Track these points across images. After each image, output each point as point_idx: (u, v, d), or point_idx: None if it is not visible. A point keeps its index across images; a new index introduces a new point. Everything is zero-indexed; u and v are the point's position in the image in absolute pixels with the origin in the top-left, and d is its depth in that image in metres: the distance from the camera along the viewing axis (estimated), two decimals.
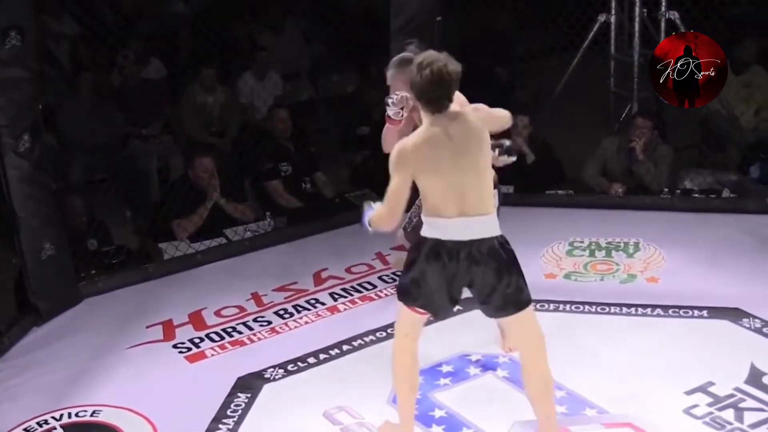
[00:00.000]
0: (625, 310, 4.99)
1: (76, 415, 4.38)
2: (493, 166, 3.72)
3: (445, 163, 3.47)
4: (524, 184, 6.47)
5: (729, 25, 6.54)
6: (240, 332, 5.07)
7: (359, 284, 5.53)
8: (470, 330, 4.75)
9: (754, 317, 4.79)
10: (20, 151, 4.98)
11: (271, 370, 4.64)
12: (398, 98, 4.01)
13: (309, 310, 5.27)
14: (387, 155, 3.61)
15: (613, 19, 6.95)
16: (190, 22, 8.79)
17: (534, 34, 9.05)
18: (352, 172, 7.17)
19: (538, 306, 4.96)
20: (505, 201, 6.11)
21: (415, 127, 3.78)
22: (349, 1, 9.23)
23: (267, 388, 4.50)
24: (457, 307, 4.91)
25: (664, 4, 6.71)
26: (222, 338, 5.02)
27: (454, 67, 3.45)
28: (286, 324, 5.13)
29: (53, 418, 4.35)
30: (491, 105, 3.70)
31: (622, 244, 5.80)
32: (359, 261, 5.79)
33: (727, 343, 4.60)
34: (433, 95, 3.46)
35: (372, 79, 8.06)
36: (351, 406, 4.24)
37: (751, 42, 7.20)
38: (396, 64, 4.19)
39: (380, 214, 3.62)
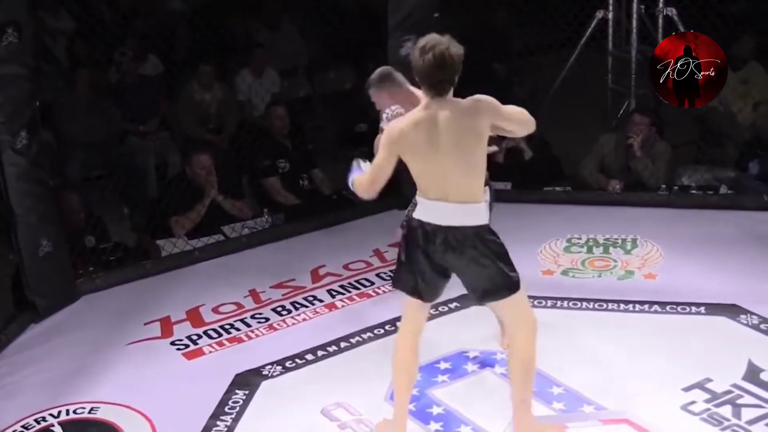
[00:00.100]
0: (622, 306, 4.99)
1: (74, 412, 4.38)
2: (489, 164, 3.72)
3: (428, 147, 3.53)
4: (522, 180, 6.48)
5: (726, 22, 6.53)
6: (238, 329, 5.07)
7: (357, 281, 5.53)
8: (468, 327, 4.76)
9: (752, 314, 4.79)
10: (17, 148, 4.97)
11: (269, 366, 4.63)
12: (393, 114, 4.08)
13: (307, 307, 5.27)
14: None
15: (610, 15, 6.94)
16: (188, 18, 8.77)
17: (532, 31, 9.04)
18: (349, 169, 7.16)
19: (535, 302, 4.97)
20: (502, 198, 6.14)
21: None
22: None
23: (265, 384, 4.50)
24: (455, 304, 4.97)
25: (661, 0, 6.71)
26: (220, 335, 5.02)
27: (457, 49, 3.47)
28: (283, 321, 5.13)
29: (51, 415, 4.35)
30: None
31: (619, 241, 5.80)
32: (357, 258, 5.79)
33: (725, 340, 4.61)
34: (436, 79, 3.48)
35: (369, 75, 8.06)
36: (349, 402, 4.24)
37: (749, 38, 7.21)
38: (377, 81, 4.28)
39: (362, 180, 3.75)
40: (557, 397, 4.17)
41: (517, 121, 3.64)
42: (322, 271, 5.67)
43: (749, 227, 5.86)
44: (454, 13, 6.02)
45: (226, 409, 4.29)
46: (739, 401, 4.09)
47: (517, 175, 6.50)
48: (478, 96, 3.57)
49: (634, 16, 6.81)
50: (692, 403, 4.09)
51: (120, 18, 8.34)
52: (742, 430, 3.90)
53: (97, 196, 6.62)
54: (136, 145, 7.29)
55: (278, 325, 5.09)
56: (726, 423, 3.95)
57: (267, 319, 5.15)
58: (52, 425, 4.28)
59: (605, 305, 5.02)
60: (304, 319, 5.14)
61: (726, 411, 4.02)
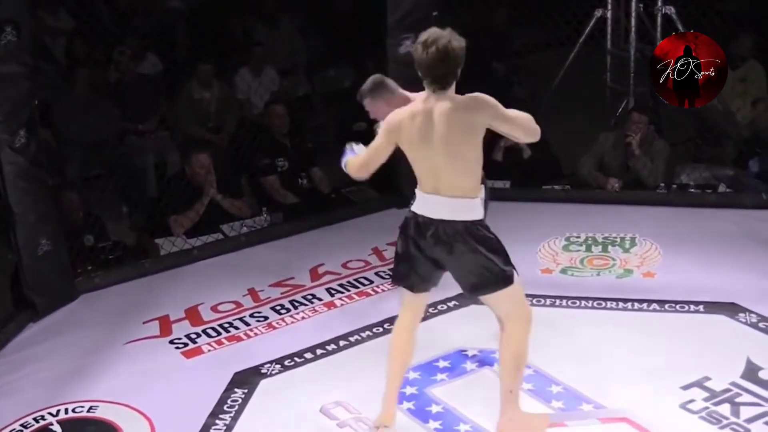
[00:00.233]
0: (621, 305, 4.99)
1: (73, 410, 4.37)
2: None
3: (422, 139, 3.58)
4: (521, 179, 6.48)
5: (725, 20, 6.53)
6: (237, 328, 5.07)
7: (356, 280, 5.53)
8: (467, 325, 4.76)
9: (751, 312, 4.79)
10: (16, 147, 4.97)
11: (268, 365, 4.64)
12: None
13: (306, 305, 5.27)
14: None
15: (609, 14, 6.94)
16: (186, 17, 8.77)
17: (531, 30, 9.05)
18: None
19: (534, 301, 4.98)
20: (501, 196, 6.16)
21: None
22: None
23: (264, 383, 4.50)
24: (453, 302, 4.98)
25: None
26: (219, 334, 5.02)
27: (459, 42, 3.50)
28: (282, 319, 5.13)
29: (50, 413, 4.35)
30: None
31: (618, 239, 5.80)
32: (356, 257, 5.79)
33: (724, 338, 4.61)
34: (440, 72, 3.51)
35: (368, 74, 8.06)
36: (348, 401, 4.24)
37: (747, 37, 7.21)
38: (370, 90, 4.29)
39: (355, 161, 3.83)
40: (556, 396, 4.18)
41: (520, 126, 3.62)
42: (321, 270, 5.67)
43: (748, 225, 5.86)
44: (453, 11, 6.02)
45: (225, 408, 4.29)
46: (738, 400, 4.09)
47: (516, 173, 6.50)
48: (477, 94, 3.58)
49: (633, 14, 6.82)
50: (691, 401, 4.09)
51: (119, 17, 8.34)
52: (741, 429, 3.90)
53: (96, 195, 6.61)
54: (135, 144, 7.30)
55: (277, 323, 5.10)
56: (725, 421, 3.95)
57: (266, 318, 5.15)
58: (51, 424, 4.28)
59: (604, 304, 5.02)
60: (303, 318, 5.14)
61: (725, 409, 4.03)
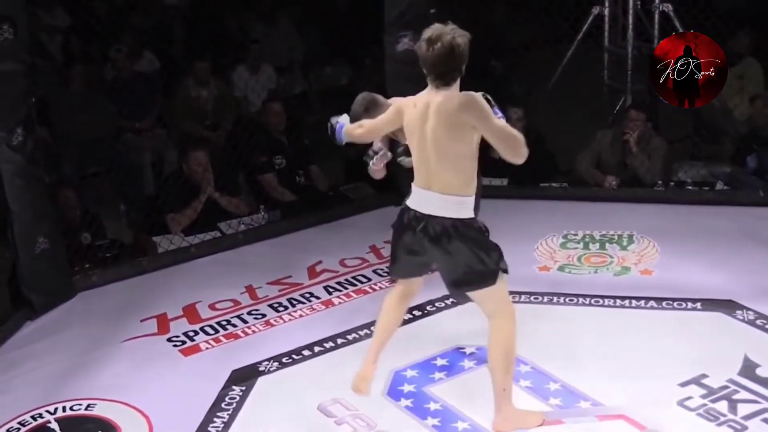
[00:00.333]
0: (619, 302, 5.00)
1: (71, 408, 4.37)
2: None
3: (416, 129, 3.65)
4: (518, 176, 6.47)
5: (722, 18, 6.54)
6: (234, 325, 5.07)
7: (354, 277, 5.53)
8: (464, 323, 4.76)
9: (748, 309, 4.80)
10: (13, 145, 4.97)
11: (266, 363, 4.64)
12: (381, 155, 4.20)
13: (303, 303, 5.27)
14: None
15: (606, 11, 6.94)
16: (183, 14, 8.76)
17: (528, 27, 9.05)
18: (346, 165, 7.17)
19: (531, 298, 5.00)
20: (499, 194, 6.16)
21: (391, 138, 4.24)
22: None
23: (262, 380, 4.50)
24: (450, 300, 4.97)
25: None
26: (216, 331, 5.02)
27: (463, 38, 3.52)
28: (280, 317, 5.13)
29: (48, 411, 4.35)
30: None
31: (616, 237, 5.81)
32: (353, 254, 5.79)
33: (721, 335, 4.61)
34: (446, 68, 3.53)
35: (366, 71, 8.07)
36: (346, 398, 4.24)
37: (744, 34, 7.22)
38: (363, 110, 4.26)
39: (357, 128, 3.95)
40: (554, 393, 4.18)
41: (504, 141, 3.53)
42: (318, 268, 5.67)
43: (745, 223, 5.87)
44: (450, 8, 6.01)
45: (223, 405, 4.29)
46: (735, 397, 4.09)
47: (513, 170, 6.47)
48: (471, 93, 3.57)
49: (631, 12, 6.82)
50: (688, 398, 4.09)
51: (115, 14, 8.33)
52: (738, 426, 3.91)
53: (94, 193, 6.61)
54: (133, 142, 7.29)
55: (275, 321, 5.10)
56: (722, 418, 3.96)
57: (264, 316, 5.15)
58: (49, 422, 4.28)
59: (601, 301, 5.02)
60: (301, 316, 5.14)
61: (722, 406, 4.03)
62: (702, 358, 4.37)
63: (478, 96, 3.56)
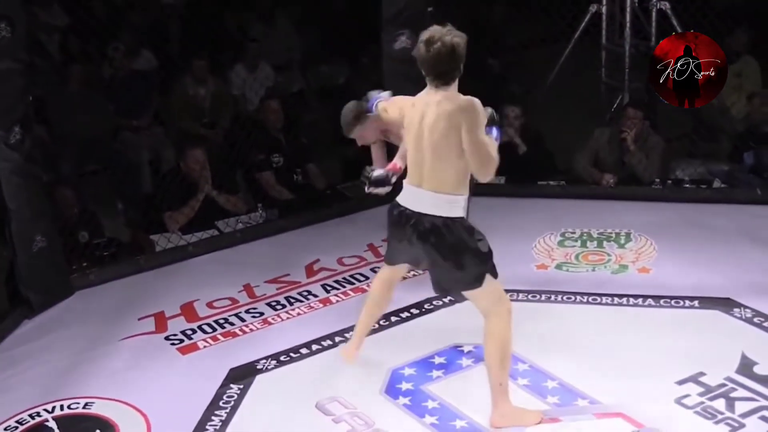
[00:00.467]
0: (616, 300, 5.00)
1: (69, 407, 4.37)
2: None
3: (415, 131, 3.70)
4: (516, 175, 6.48)
5: (720, 15, 6.54)
6: (232, 324, 5.07)
7: (351, 276, 5.53)
8: (462, 321, 4.76)
9: (745, 307, 4.80)
10: (11, 143, 4.96)
11: (264, 361, 4.64)
12: (376, 173, 4.33)
13: (301, 301, 5.27)
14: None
15: (604, 9, 6.94)
16: (181, 13, 8.75)
17: (526, 25, 9.05)
18: (343, 163, 7.16)
19: (529, 296, 5.00)
20: (496, 192, 6.16)
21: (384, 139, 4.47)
22: None
23: (259, 379, 4.50)
24: (448, 298, 4.97)
25: None
26: (214, 330, 5.02)
27: (461, 39, 3.59)
28: (278, 315, 5.13)
29: (45, 410, 4.35)
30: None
31: (613, 235, 5.81)
32: (351, 253, 5.79)
33: (718, 333, 4.62)
34: (447, 67, 3.59)
35: (363, 69, 8.06)
36: (343, 396, 4.25)
37: (742, 32, 7.22)
38: (354, 120, 4.44)
39: (384, 109, 4.20)
40: (551, 391, 4.18)
41: (478, 154, 3.57)
42: (316, 266, 5.67)
43: (742, 221, 5.87)
44: (448, 7, 6.02)
45: (221, 404, 4.29)
46: (733, 394, 4.10)
47: (511, 169, 6.49)
48: (474, 100, 3.60)
49: (628, 10, 6.82)
50: (686, 396, 4.10)
51: (113, 13, 8.32)
52: (736, 424, 3.91)
53: (91, 191, 6.60)
54: (130, 140, 7.28)
55: (273, 319, 5.10)
56: (720, 416, 3.96)
57: (261, 314, 5.15)
58: (47, 420, 4.28)
59: (599, 299, 5.03)
60: (299, 314, 5.14)
61: (719, 404, 4.04)
62: (699, 356, 4.38)
63: (479, 104, 3.59)
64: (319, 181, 6.75)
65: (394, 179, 4.26)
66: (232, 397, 4.35)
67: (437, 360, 4.51)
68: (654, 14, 6.75)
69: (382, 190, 4.34)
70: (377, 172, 4.32)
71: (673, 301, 4.93)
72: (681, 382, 4.19)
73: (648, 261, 5.46)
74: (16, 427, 4.24)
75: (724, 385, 4.16)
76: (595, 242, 5.75)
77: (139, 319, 5.16)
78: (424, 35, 3.59)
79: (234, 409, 4.26)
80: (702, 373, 4.24)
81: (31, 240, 5.14)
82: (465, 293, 3.86)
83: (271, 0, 8.80)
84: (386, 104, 4.22)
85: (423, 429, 4.02)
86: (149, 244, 5.97)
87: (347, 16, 8.81)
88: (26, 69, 5.08)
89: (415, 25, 5.60)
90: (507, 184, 6.48)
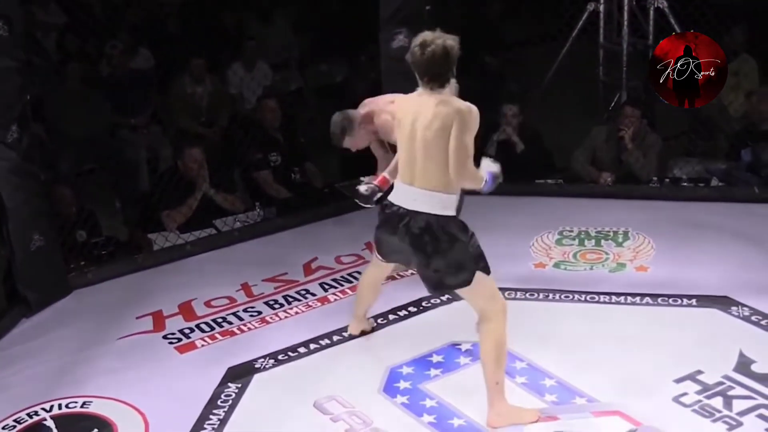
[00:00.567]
0: (614, 298, 5.00)
1: (66, 406, 4.37)
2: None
3: (407, 131, 3.74)
4: (514, 173, 6.45)
5: (717, 14, 6.54)
6: (230, 322, 5.07)
7: (349, 274, 5.53)
8: (459, 319, 4.75)
9: (743, 305, 4.81)
10: (8, 142, 4.96)
11: (262, 360, 4.64)
12: (370, 186, 4.31)
13: (299, 300, 5.27)
14: None
15: (602, 7, 6.94)
16: (179, 11, 8.75)
17: (523, 23, 9.05)
18: (341, 162, 7.16)
19: (527, 295, 5.00)
20: (494, 190, 6.15)
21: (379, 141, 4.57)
22: None
23: (257, 377, 4.50)
24: (446, 296, 4.98)
25: None
26: (212, 328, 5.02)
27: (454, 42, 3.65)
28: (276, 314, 5.13)
29: (43, 409, 4.34)
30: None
31: (611, 233, 5.81)
32: (349, 251, 5.79)
33: (716, 332, 4.62)
34: (438, 71, 3.64)
35: (361, 68, 8.06)
36: (342, 395, 4.25)
37: (739, 30, 7.22)
38: (343, 128, 4.60)
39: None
40: (549, 390, 4.19)
41: (459, 158, 3.64)
42: (314, 265, 5.67)
43: (740, 219, 5.87)
44: (445, 5, 6.02)
45: (219, 403, 4.29)
46: (731, 393, 4.10)
47: (508, 167, 6.48)
48: (472, 107, 3.64)
49: (626, 8, 6.81)
50: (684, 394, 4.10)
51: (111, 11, 8.32)
52: (734, 422, 3.91)
53: (89, 190, 6.60)
54: (128, 138, 7.28)
55: (271, 318, 5.09)
56: (717, 414, 3.96)
57: (259, 313, 5.15)
58: (45, 419, 4.28)
59: (597, 298, 5.03)
60: (297, 313, 5.14)
61: (717, 402, 4.04)
62: (697, 354, 4.38)
63: (476, 113, 3.64)
64: (317, 179, 6.75)
65: (377, 197, 4.26)
66: (230, 395, 4.35)
67: (435, 358, 4.51)
68: (652, 12, 6.74)
69: (366, 205, 4.34)
70: (363, 187, 4.32)
71: (670, 300, 4.94)
72: (679, 381, 4.19)
73: (646, 259, 5.46)
74: (14, 426, 4.24)
75: (721, 383, 4.17)
76: (593, 241, 5.76)
77: (137, 318, 5.16)
78: (418, 40, 3.66)
79: (232, 407, 4.25)
80: (700, 372, 4.24)
81: (28, 239, 5.14)
82: (458, 291, 3.88)
83: None
84: (370, 107, 4.28)
85: (421, 427, 4.02)
86: (147, 242, 5.97)
87: (345, 15, 8.81)
88: (24, 67, 5.08)
89: (412, 24, 5.60)
90: (504, 182, 6.44)
